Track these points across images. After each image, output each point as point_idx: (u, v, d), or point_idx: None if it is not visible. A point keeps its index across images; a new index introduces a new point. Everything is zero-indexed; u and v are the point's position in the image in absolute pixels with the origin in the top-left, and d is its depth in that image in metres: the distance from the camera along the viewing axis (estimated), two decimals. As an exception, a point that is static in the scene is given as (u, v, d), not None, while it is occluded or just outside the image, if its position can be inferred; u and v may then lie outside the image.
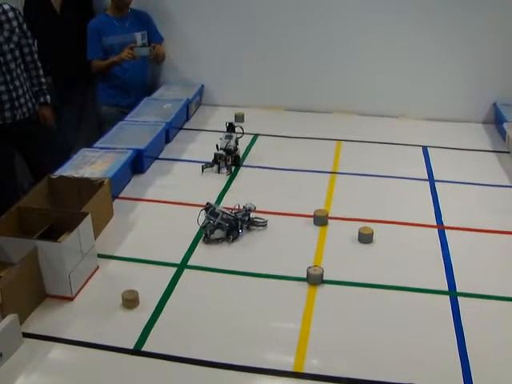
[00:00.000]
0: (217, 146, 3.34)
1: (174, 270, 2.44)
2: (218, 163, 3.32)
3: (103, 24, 4.14)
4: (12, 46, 3.43)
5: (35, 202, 2.57)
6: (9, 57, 3.42)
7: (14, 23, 3.43)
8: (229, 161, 3.33)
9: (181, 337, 2.08)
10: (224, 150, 3.31)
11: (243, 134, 3.42)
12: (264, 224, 2.74)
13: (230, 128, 3.40)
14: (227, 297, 2.30)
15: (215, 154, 3.32)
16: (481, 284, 2.37)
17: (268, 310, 2.23)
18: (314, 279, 2.34)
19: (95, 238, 2.47)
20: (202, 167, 3.33)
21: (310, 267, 2.37)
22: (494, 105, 4.10)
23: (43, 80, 3.73)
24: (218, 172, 3.30)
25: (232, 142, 3.33)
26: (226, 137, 3.36)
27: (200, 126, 4.06)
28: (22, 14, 3.99)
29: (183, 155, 3.55)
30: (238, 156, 3.38)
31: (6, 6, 3.42)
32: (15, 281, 2.04)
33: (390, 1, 3.99)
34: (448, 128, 4.05)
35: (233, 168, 3.34)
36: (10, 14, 3.42)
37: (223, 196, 3.05)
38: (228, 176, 3.27)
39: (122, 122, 3.71)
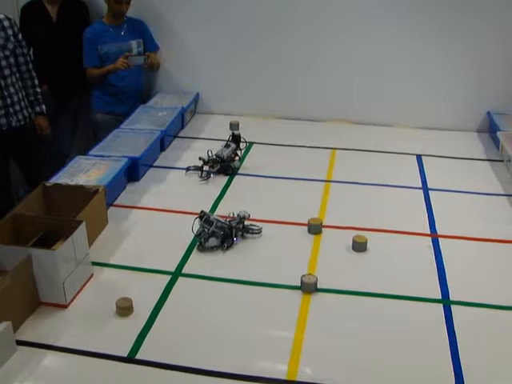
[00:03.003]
0: (208, 151, 3.36)
1: (168, 277, 2.44)
2: (202, 167, 3.35)
3: (99, 32, 4.14)
4: (7, 52, 3.44)
5: (30, 210, 2.58)
6: (3, 63, 3.43)
7: (9, 32, 3.44)
8: (213, 167, 3.34)
9: (175, 345, 2.08)
10: (216, 156, 3.34)
11: (247, 143, 3.51)
12: (258, 232, 2.75)
13: (233, 138, 3.41)
14: (221, 305, 2.30)
15: (199, 158, 3.36)
16: (474, 292, 2.38)
17: (262, 318, 2.23)
18: (308, 287, 2.34)
19: (90, 246, 2.47)
20: (187, 169, 3.38)
21: (303, 275, 2.38)
22: (488, 114, 4.11)
23: (38, 90, 3.74)
24: (201, 176, 3.33)
25: (226, 152, 3.35)
26: (226, 145, 3.38)
27: (195, 134, 4.06)
28: (19, 22, 4.02)
29: (178, 163, 3.55)
30: (229, 166, 3.39)
31: (0, 16, 3.44)
32: (9, 288, 2.03)
33: (384, 9, 4.00)
34: (442, 136, 4.06)
35: (211, 175, 3.35)
36: (5, 23, 3.44)
37: (218, 204, 3.05)
38: (203, 181, 3.30)
39: (117, 129, 3.71)
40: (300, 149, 3.81)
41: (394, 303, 2.32)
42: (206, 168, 3.36)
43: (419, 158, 3.67)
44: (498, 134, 3.73)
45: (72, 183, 2.86)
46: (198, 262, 2.56)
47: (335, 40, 4.13)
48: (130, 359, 2.00)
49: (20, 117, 3.59)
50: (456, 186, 3.29)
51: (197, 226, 2.64)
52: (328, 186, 3.29)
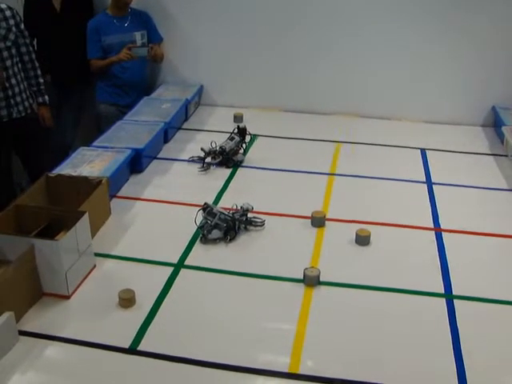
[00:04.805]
0: (211, 142, 3.36)
1: (170, 269, 2.44)
2: (204, 158, 3.36)
3: (103, 23, 4.14)
4: (8, 43, 3.43)
5: (33, 201, 2.57)
6: (5, 54, 3.42)
7: (11, 21, 3.43)
8: (215, 159, 3.35)
9: (176, 336, 2.08)
10: (219, 148, 3.34)
11: (251, 136, 3.50)
12: (261, 225, 2.74)
13: (238, 132, 3.40)
14: (223, 297, 2.30)
15: (201, 148, 3.36)
16: (477, 287, 2.37)
17: (264, 311, 2.23)
18: (311, 280, 2.34)
19: (92, 237, 2.47)
20: (190, 159, 3.42)
21: (306, 268, 2.37)
22: (493, 108, 4.10)
23: (41, 80, 3.73)
24: (202, 166, 3.34)
25: (229, 145, 3.34)
26: (230, 138, 3.38)
27: (199, 126, 4.06)
28: (22, 12, 4.00)
29: (181, 155, 3.54)
30: (231, 159, 3.38)
31: (2, 5, 3.43)
32: (11, 279, 2.03)
33: (389, 3, 3.99)
34: (446, 131, 4.05)
35: (213, 167, 3.36)
36: (7, 13, 3.43)
37: (221, 196, 3.05)
38: (202, 172, 3.32)
39: (121, 121, 3.71)
40: (304, 142, 3.80)
41: (396, 297, 2.31)
42: (208, 159, 3.36)
43: (423, 151, 3.66)
44: (503, 128, 3.72)
45: (75, 174, 2.86)
46: (201, 255, 2.56)
47: (341, 32, 4.11)
48: (132, 350, 2.00)
49: (21, 108, 3.58)
50: (460, 180, 3.28)
51: (200, 218, 2.64)
52: (332, 179, 3.28)
